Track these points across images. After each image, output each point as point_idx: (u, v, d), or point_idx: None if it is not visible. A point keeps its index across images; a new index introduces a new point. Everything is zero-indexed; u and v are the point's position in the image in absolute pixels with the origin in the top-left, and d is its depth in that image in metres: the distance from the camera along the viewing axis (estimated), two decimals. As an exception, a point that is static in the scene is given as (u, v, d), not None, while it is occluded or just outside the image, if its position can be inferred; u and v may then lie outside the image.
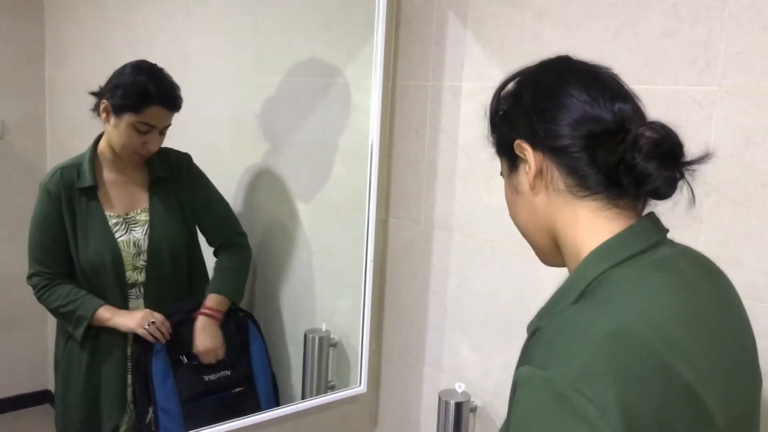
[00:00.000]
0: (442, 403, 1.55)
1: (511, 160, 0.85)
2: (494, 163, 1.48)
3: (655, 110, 1.21)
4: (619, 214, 0.78)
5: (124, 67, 1.41)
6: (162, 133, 1.43)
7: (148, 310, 1.45)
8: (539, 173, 0.80)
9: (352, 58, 1.74)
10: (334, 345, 1.81)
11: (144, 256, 1.44)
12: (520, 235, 1.45)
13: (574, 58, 0.84)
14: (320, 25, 1.79)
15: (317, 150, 1.82)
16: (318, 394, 1.77)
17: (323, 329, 1.79)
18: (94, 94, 1.42)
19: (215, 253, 1.64)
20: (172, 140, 1.88)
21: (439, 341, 1.66)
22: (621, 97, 0.79)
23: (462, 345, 1.61)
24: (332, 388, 1.80)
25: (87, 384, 1.44)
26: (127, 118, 1.38)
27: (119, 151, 1.41)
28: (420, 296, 1.70)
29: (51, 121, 1.64)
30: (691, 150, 1.16)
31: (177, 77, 1.87)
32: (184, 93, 1.88)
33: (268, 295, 1.90)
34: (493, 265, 1.52)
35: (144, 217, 1.45)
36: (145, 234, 1.44)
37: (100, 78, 1.74)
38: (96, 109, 1.43)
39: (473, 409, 1.58)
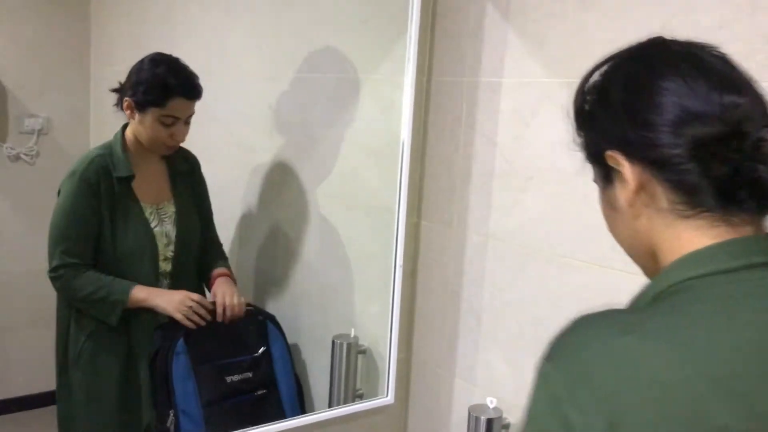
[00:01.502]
0: (472, 419, 1.46)
1: (604, 171, 0.72)
2: (532, 164, 1.41)
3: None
4: (729, 231, 0.65)
5: (141, 62, 1.41)
6: (187, 122, 1.43)
7: (185, 292, 1.41)
8: (638, 190, 0.68)
9: (386, 54, 1.67)
10: (363, 352, 1.74)
11: (172, 247, 1.44)
12: (557, 242, 1.37)
13: (670, 39, 0.70)
14: (355, 20, 1.73)
15: (349, 149, 1.76)
16: (345, 402, 1.70)
17: (352, 335, 1.73)
18: (115, 90, 1.41)
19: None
20: (209, 135, 1.85)
21: (471, 352, 1.58)
22: (733, 86, 0.64)
23: (495, 357, 1.52)
24: (360, 397, 1.73)
25: (120, 382, 1.42)
26: (152, 113, 1.38)
27: (148, 144, 1.41)
28: (452, 304, 1.61)
29: (95, 118, 1.65)
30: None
31: (215, 74, 1.85)
32: (222, 89, 1.86)
33: (295, 297, 1.84)
34: (529, 273, 1.42)
35: (171, 208, 1.45)
36: (173, 225, 1.44)
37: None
38: (119, 104, 1.42)
39: (505, 426, 1.48)
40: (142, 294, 1.38)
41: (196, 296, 1.41)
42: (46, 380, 1.50)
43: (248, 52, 1.84)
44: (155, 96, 1.37)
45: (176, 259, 1.45)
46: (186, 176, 1.49)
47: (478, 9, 1.49)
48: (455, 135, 1.56)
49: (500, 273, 1.49)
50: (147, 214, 1.40)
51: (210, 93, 1.85)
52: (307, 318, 1.84)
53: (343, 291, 1.81)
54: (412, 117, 1.57)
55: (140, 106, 1.37)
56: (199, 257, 1.54)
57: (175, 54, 1.80)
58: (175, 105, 1.38)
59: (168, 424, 1.44)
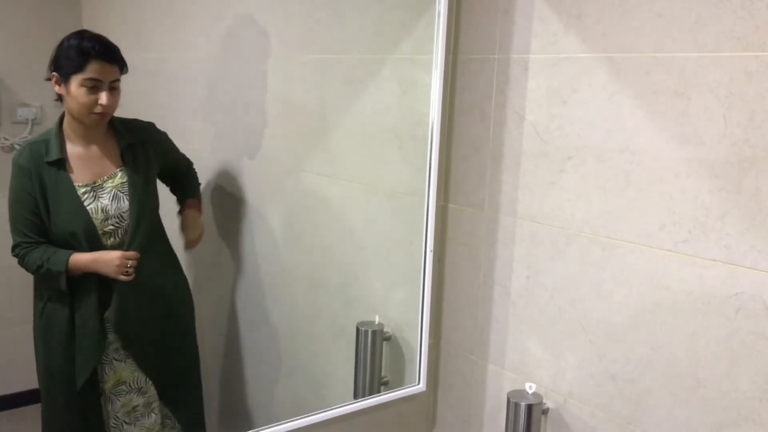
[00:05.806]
0: (512, 405, 1.43)
1: None
2: (570, 144, 1.36)
3: (766, 82, 1.08)
4: None
5: (62, 39, 1.44)
6: (113, 88, 1.45)
7: (118, 253, 1.47)
8: None
9: (408, 32, 1.61)
10: (388, 339, 1.70)
11: (113, 221, 1.48)
12: (600, 223, 1.33)
13: None
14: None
15: (371, 131, 1.71)
16: (371, 390, 1.67)
17: (376, 322, 1.69)
18: (48, 79, 1.44)
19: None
20: (214, 120, 1.79)
21: (504, 337, 1.54)
22: None
23: (530, 342, 1.49)
24: (386, 384, 1.70)
25: (67, 335, 1.47)
26: (74, 80, 1.41)
27: (78, 115, 1.43)
28: (483, 289, 1.57)
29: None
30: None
31: (219, 57, 1.78)
32: (226, 74, 1.79)
33: (318, 284, 1.80)
34: (569, 255, 1.39)
35: (110, 183, 1.49)
36: (111, 200, 1.49)
37: (140, 64, 1.67)
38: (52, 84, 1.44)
39: (544, 412, 1.45)
40: (81, 261, 1.44)
41: (130, 254, 1.48)
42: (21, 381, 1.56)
43: (255, 33, 1.78)
44: (74, 62, 1.41)
45: (124, 232, 1.49)
46: (136, 147, 1.52)
47: (507, -17, 1.44)
48: (485, 115, 1.51)
49: (537, 255, 1.45)
50: (80, 193, 1.44)
51: (214, 79, 1.79)
52: (327, 306, 1.80)
53: (365, 278, 1.77)
54: (440, 97, 1.52)
55: (64, 77, 1.41)
56: (175, 189, 1.66)
57: (175, 37, 1.75)
58: (94, 68, 1.41)
59: None
